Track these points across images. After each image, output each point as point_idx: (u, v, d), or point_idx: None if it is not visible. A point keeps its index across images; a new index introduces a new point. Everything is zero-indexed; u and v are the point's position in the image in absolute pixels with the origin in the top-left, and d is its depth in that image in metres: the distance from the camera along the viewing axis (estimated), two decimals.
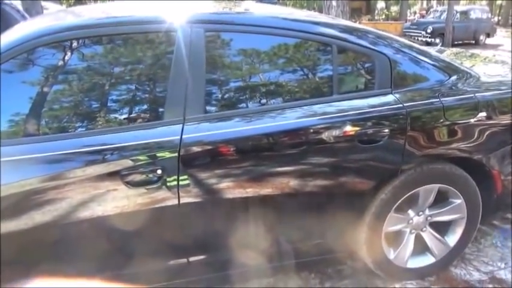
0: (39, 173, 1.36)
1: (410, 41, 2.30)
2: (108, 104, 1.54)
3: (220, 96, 1.63)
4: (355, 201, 1.75)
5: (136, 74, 1.58)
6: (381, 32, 1.89)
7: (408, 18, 22.00)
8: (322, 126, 1.62)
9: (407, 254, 1.93)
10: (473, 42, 14.58)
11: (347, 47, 1.73)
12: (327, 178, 1.68)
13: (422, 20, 16.87)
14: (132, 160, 1.43)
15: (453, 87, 1.83)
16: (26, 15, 4.91)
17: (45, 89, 1.47)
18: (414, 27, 14.66)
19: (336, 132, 1.63)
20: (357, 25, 2.05)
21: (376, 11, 23.45)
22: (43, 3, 6.21)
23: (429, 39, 13.22)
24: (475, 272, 2.07)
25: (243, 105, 1.65)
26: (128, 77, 1.57)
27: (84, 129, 1.47)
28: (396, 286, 1.96)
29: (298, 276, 2.00)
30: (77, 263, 1.49)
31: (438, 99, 1.74)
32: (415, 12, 27.11)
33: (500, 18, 24.81)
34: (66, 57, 1.50)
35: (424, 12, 23.63)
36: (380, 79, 1.73)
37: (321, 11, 8.71)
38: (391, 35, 1.92)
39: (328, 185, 1.69)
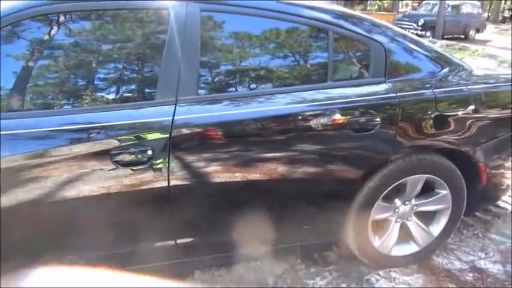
0: (24, 149, 1.33)
1: None
2: (97, 82, 1.50)
3: (213, 78, 1.60)
4: (344, 188, 1.76)
5: (128, 52, 1.53)
6: (376, 20, 1.87)
7: (400, 10, 22.02)
8: (314, 113, 1.61)
9: (392, 242, 1.96)
10: (463, 36, 14.69)
11: (342, 33, 1.71)
12: (317, 165, 1.68)
13: (414, 12, 16.93)
14: (122, 140, 1.40)
15: (445, 79, 1.84)
16: None
17: (31, 64, 1.41)
18: (406, 19, 14.67)
19: (328, 120, 1.62)
20: (352, 12, 2.03)
21: (369, 2, 23.39)
22: None
23: (420, 32, 13.23)
24: (456, 261, 2.12)
25: (234, 89, 1.64)
26: (121, 54, 1.53)
27: (70, 106, 1.44)
28: (380, 273, 2.00)
29: (284, 261, 2.02)
30: (58, 241, 1.47)
31: (431, 90, 1.75)
32: (407, 4, 27.11)
33: (490, 14, 25.02)
34: (53, 32, 1.44)
35: (416, 4, 23.65)
36: (374, 68, 1.73)
37: None
38: (386, 24, 1.91)
39: (318, 172, 1.69)
